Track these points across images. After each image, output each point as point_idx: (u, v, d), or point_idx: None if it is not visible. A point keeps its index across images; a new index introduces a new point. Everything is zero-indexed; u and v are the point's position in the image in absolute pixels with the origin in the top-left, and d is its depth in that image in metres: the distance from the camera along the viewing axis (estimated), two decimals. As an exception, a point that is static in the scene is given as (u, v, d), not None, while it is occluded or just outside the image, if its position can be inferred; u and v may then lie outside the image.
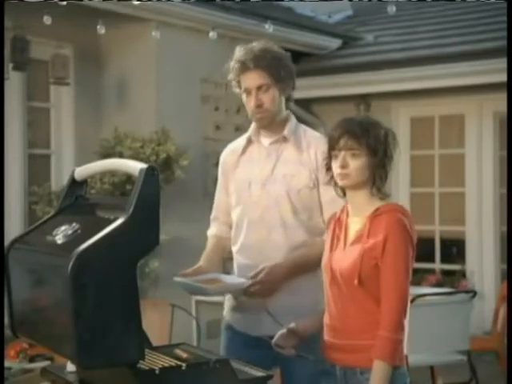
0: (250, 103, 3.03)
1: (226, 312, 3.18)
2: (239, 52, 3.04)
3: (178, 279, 2.94)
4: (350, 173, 2.55)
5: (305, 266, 2.96)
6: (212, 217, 3.27)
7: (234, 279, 3.00)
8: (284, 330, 2.70)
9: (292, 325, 2.71)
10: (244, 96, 3.06)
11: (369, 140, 2.53)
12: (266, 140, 3.09)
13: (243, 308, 3.07)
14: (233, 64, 3.04)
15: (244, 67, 3.00)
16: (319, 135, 3.10)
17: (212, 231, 3.25)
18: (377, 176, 2.56)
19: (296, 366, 2.93)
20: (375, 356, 2.46)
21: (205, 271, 3.01)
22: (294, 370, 2.94)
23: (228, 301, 3.17)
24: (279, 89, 3.02)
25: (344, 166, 2.55)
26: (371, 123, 2.59)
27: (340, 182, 2.59)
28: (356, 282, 2.50)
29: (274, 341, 2.70)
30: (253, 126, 3.13)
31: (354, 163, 2.54)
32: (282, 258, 2.97)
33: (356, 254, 2.52)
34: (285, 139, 3.05)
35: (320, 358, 2.70)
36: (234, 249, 3.14)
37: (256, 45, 3.05)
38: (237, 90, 3.10)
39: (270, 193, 3.01)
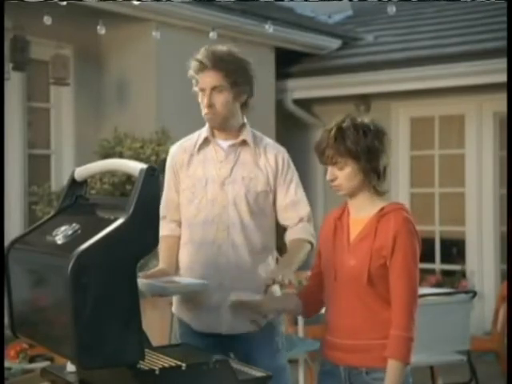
0: (202, 103, 3.07)
1: (181, 313, 3.15)
2: (201, 52, 3.07)
3: (144, 281, 2.89)
4: (341, 183, 2.58)
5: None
6: (162, 215, 3.19)
7: (192, 280, 3.00)
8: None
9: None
10: (200, 95, 3.08)
11: (347, 147, 2.53)
12: (223, 142, 3.11)
13: (202, 307, 3.06)
14: (192, 62, 3.07)
15: (202, 66, 3.03)
16: (274, 142, 3.18)
17: (163, 232, 3.17)
18: (371, 175, 2.57)
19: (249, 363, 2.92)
20: (390, 355, 2.47)
21: (166, 274, 3.02)
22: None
23: (181, 300, 3.15)
24: (234, 93, 3.04)
25: (333, 179, 2.58)
26: (347, 127, 2.56)
27: (338, 193, 2.63)
28: (365, 281, 2.50)
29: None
30: (207, 127, 3.15)
31: (341, 174, 2.57)
32: (243, 258, 3.02)
33: (363, 253, 2.53)
34: (244, 143, 3.09)
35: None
36: (183, 245, 3.13)
37: (219, 47, 3.07)
38: (195, 89, 3.11)
39: (228, 193, 3.04)
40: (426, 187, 8.02)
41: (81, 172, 2.50)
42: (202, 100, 3.07)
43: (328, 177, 2.61)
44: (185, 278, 3.03)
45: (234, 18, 6.88)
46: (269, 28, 6.44)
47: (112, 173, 5.73)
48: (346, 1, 9.63)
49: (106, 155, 6.01)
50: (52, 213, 2.51)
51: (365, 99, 7.93)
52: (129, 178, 5.69)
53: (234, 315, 2.98)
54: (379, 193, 2.61)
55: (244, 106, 3.12)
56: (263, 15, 6.93)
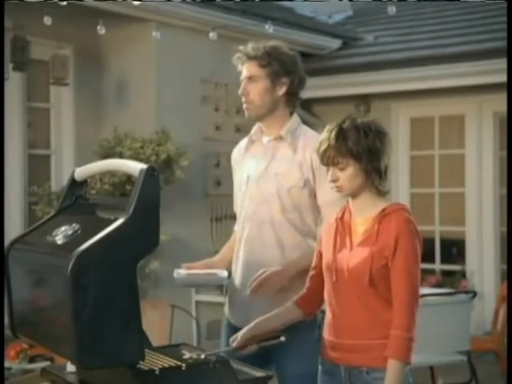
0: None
1: (225, 306, 3.23)
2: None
3: (176, 271, 3.05)
4: (343, 184, 2.58)
5: (298, 272, 2.96)
6: (234, 210, 3.33)
7: (223, 273, 3.07)
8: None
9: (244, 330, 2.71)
10: None
11: (348, 147, 2.53)
12: (265, 138, 3.12)
13: (234, 301, 3.13)
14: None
15: (240, 58, 3.07)
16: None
17: (235, 226, 3.29)
18: (373, 176, 2.57)
19: (289, 366, 2.93)
20: (390, 355, 2.47)
21: (213, 266, 3.11)
22: (288, 370, 2.93)
23: (227, 295, 3.23)
24: (270, 83, 3.03)
25: (335, 180, 2.58)
26: (348, 128, 2.56)
27: (339, 194, 2.63)
28: (366, 281, 2.50)
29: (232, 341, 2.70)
30: (257, 125, 3.16)
31: (342, 175, 2.56)
32: (272, 256, 2.99)
33: (365, 254, 2.53)
34: (281, 138, 3.07)
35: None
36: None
37: (263, 41, 3.10)
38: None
39: (262, 190, 3.04)
40: (426, 187, 8.02)
41: (81, 172, 2.50)
42: None
43: (329, 178, 2.60)
44: (223, 271, 3.09)
45: (234, 17, 6.88)
46: (269, 28, 6.43)
47: (112, 173, 5.74)
48: (346, 1, 9.62)
49: (106, 155, 6.02)
50: (52, 213, 2.51)
51: (365, 99, 7.93)
52: (129, 178, 5.69)
53: (263, 312, 2.89)
54: (381, 193, 2.61)
55: (289, 99, 3.09)
56: (263, 15, 6.93)
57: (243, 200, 3.10)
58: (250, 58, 3.04)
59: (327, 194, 2.96)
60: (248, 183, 3.08)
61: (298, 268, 2.95)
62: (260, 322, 2.70)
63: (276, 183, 3.01)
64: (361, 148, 2.53)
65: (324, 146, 2.57)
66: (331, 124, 2.61)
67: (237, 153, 3.25)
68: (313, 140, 3.03)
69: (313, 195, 3.03)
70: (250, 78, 3.04)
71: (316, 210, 3.05)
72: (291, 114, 3.12)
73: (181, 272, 3.04)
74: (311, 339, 2.98)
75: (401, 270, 2.49)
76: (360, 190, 2.59)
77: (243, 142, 3.23)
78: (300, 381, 2.94)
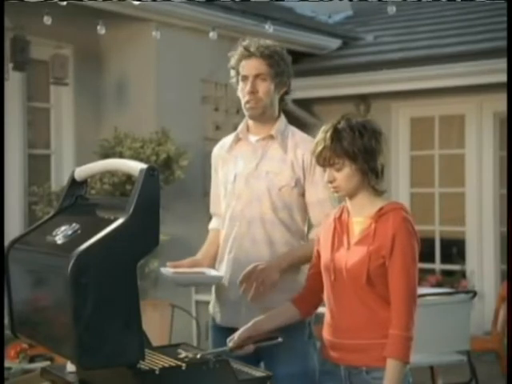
0: (244, 90, 3.05)
1: (211, 306, 3.21)
2: (246, 41, 3.08)
3: (162, 269, 3.03)
4: (339, 185, 2.58)
5: (295, 266, 2.99)
6: (210, 211, 3.32)
7: (211, 273, 3.06)
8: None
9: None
10: (240, 84, 3.07)
11: (344, 148, 2.53)
12: (253, 137, 3.12)
13: (223, 300, 3.11)
14: (238, 49, 3.07)
15: (247, 53, 3.04)
16: (308, 137, 3.11)
17: (211, 225, 3.30)
18: (370, 175, 2.57)
19: (279, 365, 2.93)
20: (389, 355, 2.47)
21: (198, 264, 3.08)
22: (278, 368, 2.90)
23: (212, 295, 3.21)
24: (275, 83, 3.05)
25: (332, 181, 2.59)
26: (343, 128, 2.56)
27: (336, 194, 2.64)
28: (364, 280, 2.50)
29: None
30: (242, 123, 3.16)
31: (339, 175, 2.57)
32: (262, 254, 3.00)
33: (362, 253, 2.53)
34: (271, 137, 3.08)
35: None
36: (221, 240, 3.17)
37: (262, 39, 3.09)
38: (233, 80, 3.11)
39: (252, 188, 3.04)
40: (426, 187, 8.02)
41: (81, 172, 2.50)
42: (243, 88, 3.05)
43: (326, 178, 2.61)
44: (210, 270, 3.08)
45: (234, 17, 6.88)
46: (269, 28, 6.42)
47: (112, 173, 5.74)
48: (346, 1, 9.63)
49: (106, 155, 6.02)
50: (52, 213, 2.51)
51: (365, 99, 7.93)
52: (129, 178, 5.70)
53: (253, 311, 2.91)
54: (378, 192, 2.62)
55: (283, 100, 3.12)
56: (263, 15, 6.93)
57: (230, 198, 3.09)
58: (257, 55, 3.02)
59: (317, 193, 3.02)
60: (235, 181, 3.07)
61: (290, 261, 2.97)
62: (257, 322, 2.69)
63: (267, 181, 3.03)
64: (356, 148, 2.53)
65: (320, 147, 2.58)
66: (327, 124, 2.61)
67: (220, 150, 3.22)
68: (302, 140, 3.09)
69: (302, 194, 3.06)
70: (257, 76, 3.02)
71: (306, 209, 3.08)
72: (279, 114, 3.13)
73: (169, 270, 3.02)
74: (301, 338, 3.01)
75: (398, 270, 2.49)
76: (357, 190, 2.59)
77: (227, 140, 3.21)
78: (290, 379, 2.94)
